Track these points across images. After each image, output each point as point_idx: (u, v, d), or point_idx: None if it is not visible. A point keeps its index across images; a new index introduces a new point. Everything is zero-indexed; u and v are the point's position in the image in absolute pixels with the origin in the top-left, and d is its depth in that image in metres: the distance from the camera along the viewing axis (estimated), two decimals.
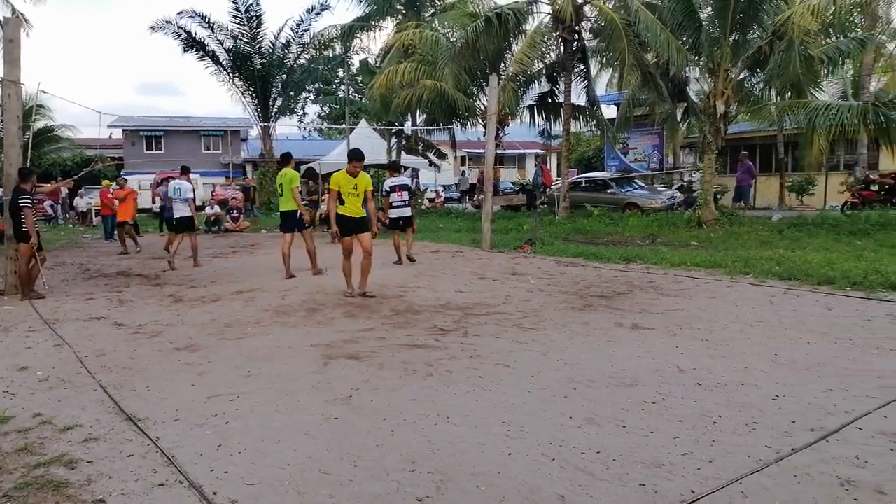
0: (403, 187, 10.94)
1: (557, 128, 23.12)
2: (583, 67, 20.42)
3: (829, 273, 7.89)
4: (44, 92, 9.98)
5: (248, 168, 37.33)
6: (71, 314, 6.98)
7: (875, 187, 16.06)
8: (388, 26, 26.15)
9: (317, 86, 43.80)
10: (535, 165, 30.01)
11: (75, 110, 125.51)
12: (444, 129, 22.23)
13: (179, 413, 3.86)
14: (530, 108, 21.55)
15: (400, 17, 25.39)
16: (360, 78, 39.44)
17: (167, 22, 25.14)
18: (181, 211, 11.41)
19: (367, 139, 24.87)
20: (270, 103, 27.76)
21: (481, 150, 32.59)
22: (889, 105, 13.43)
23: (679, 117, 20.97)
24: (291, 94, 29.45)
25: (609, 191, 20.07)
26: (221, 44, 26.20)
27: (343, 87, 43.05)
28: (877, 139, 16.32)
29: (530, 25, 19.26)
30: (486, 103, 20.18)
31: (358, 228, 7.63)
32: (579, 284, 8.28)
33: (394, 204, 10.59)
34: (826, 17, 13.10)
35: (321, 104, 48.47)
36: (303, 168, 28.30)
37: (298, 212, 9.67)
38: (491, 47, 18.14)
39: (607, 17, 16.71)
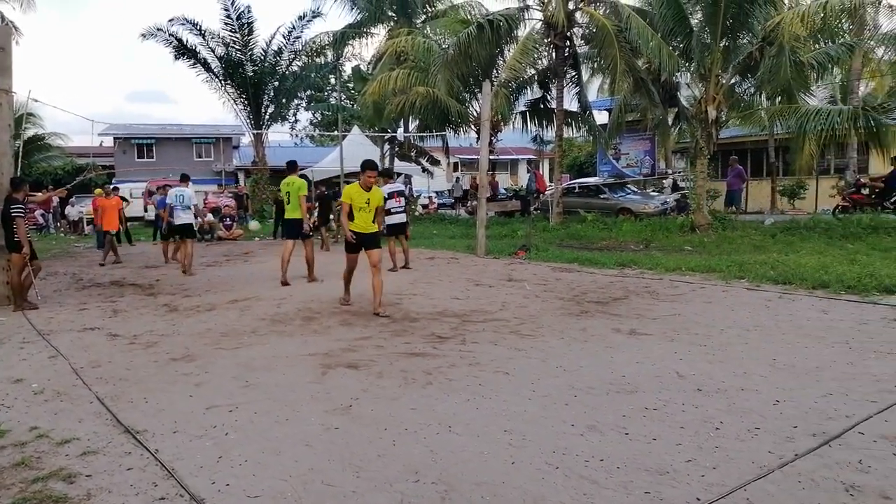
0: (400, 193, 10.97)
1: (549, 133, 23.21)
2: (574, 73, 20.49)
3: (824, 277, 7.92)
4: (35, 100, 9.91)
5: (241, 176, 37.19)
6: (65, 325, 6.92)
7: (866, 191, 16.15)
8: (379, 33, 26.19)
9: (308, 93, 43.80)
10: (528, 171, 30.08)
11: (65, 118, 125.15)
12: (436, 135, 22.24)
13: (178, 425, 3.82)
14: (523, 114, 21.61)
15: (392, 23, 25.40)
16: (352, 85, 39.52)
17: (158, 29, 25.03)
18: (183, 218, 11.51)
19: (360, 146, 24.86)
20: (262, 110, 27.68)
21: (474, 157, 32.65)
22: (878, 109, 13.55)
23: (670, 122, 21.12)
24: (283, 101, 29.36)
25: (602, 196, 20.13)
26: (213, 51, 26.11)
27: (335, 94, 43.07)
28: (867, 143, 16.44)
29: (522, 32, 19.30)
30: (478, 109, 20.29)
31: (367, 244, 7.27)
32: (575, 290, 8.29)
33: (392, 210, 10.58)
34: (815, 24, 13.19)
35: (313, 111, 48.44)
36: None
37: (303, 220, 9.68)
38: (483, 54, 18.19)
39: (599, 24, 16.80)
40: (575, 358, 5.05)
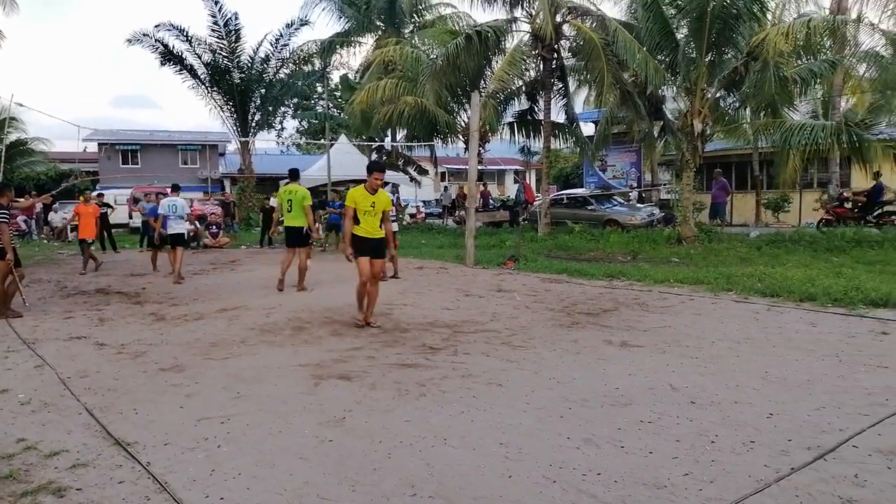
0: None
1: (537, 144, 23.34)
2: (562, 85, 20.68)
3: (811, 290, 8.01)
4: (20, 105, 9.81)
5: (227, 183, 37.00)
6: (50, 333, 6.81)
7: (849, 205, 16.42)
8: (367, 42, 26.28)
9: (295, 101, 43.76)
10: (516, 181, 30.20)
11: (48, 123, 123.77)
12: (424, 145, 22.30)
13: (169, 437, 3.76)
14: (510, 124, 21.72)
15: (379, 33, 25.51)
16: (338, 93, 39.53)
17: (144, 35, 24.91)
18: (175, 228, 11.52)
19: (347, 154, 24.88)
20: (249, 118, 27.60)
21: (461, 167, 32.74)
22: (861, 125, 13.79)
23: (656, 135, 21.33)
24: (270, 108, 29.31)
25: (589, 207, 20.25)
26: (199, 57, 26.02)
27: (322, 102, 43.03)
28: (849, 158, 16.72)
29: (510, 44, 19.50)
30: (466, 120, 20.38)
31: (373, 251, 6.87)
32: (565, 301, 8.31)
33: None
34: (798, 40, 13.42)
35: (300, 119, 48.37)
36: (281, 184, 28.24)
37: (304, 228, 9.72)
38: (471, 64, 18.31)
39: (586, 37, 16.98)
40: (568, 370, 5.05)
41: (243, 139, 27.38)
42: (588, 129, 24.90)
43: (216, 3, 24.94)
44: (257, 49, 26.64)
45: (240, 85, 26.46)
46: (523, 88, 20.97)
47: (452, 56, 17.32)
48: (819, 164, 20.37)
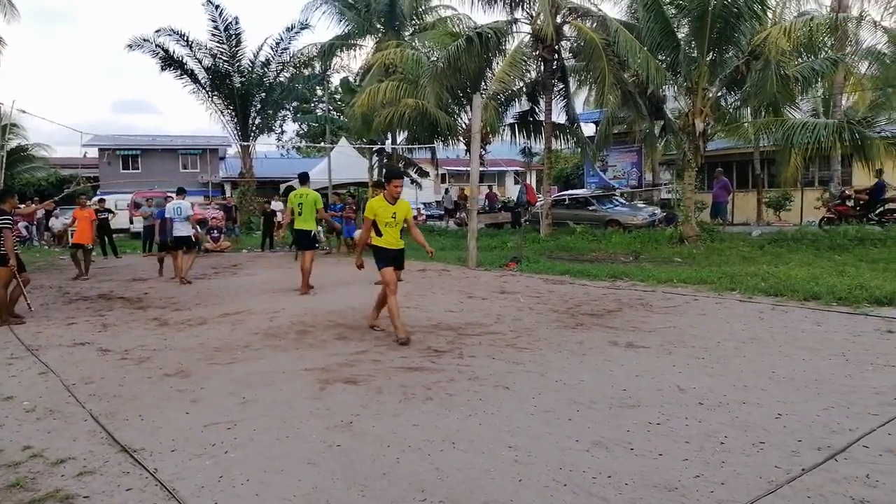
0: None
1: (538, 145, 23.33)
2: (562, 86, 20.66)
3: (815, 288, 7.99)
4: (22, 111, 9.82)
5: (227, 187, 37.00)
6: (54, 340, 6.79)
7: (850, 203, 16.38)
8: (367, 45, 26.25)
9: (295, 104, 43.75)
10: (516, 183, 30.16)
11: (48, 129, 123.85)
12: (425, 147, 22.28)
13: (176, 443, 3.75)
14: (511, 126, 21.70)
15: (379, 35, 25.48)
16: (338, 96, 39.52)
17: (145, 40, 24.98)
18: (181, 230, 11.94)
19: (348, 157, 24.88)
20: (250, 122, 27.62)
21: (462, 168, 32.69)
22: (863, 123, 13.76)
23: (657, 134, 21.32)
24: (270, 112, 29.33)
25: (591, 208, 20.22)
26: (200, 62, 26.09)
27: (322, 106, 43.02)
28: (850, 155, 16.69)
29: (510, 45, 19.47)
30: (467, 121, 20.37)
31: (394, 262, 6.58)
32: (569, 302, 8.29)
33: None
34: (799, 39, 13.40)
35: (300, 122, 48.37)
36: (283, 187, 28.24)
37: (312, 232, 9.98)
38: (472, 66, 18.29)
39: (587, 37, 16.97)
40: (574, 372, 5.03)
41: (244, 143, 27.39)
42: (588, 129, 24.92)
43: (216, 8, 25.04)
44: (258, 53, 26.74)
45: (240, 89, 26.50)
46: (524, 89, 20.96)
47: (453, 58, 17.31)
48: (821, 163, 20.34)
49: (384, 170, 7.75)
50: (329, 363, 5.47)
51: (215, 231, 20.11)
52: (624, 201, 21.72)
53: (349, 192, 24.28)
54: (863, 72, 20.13)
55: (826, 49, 15.84)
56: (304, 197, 9.91)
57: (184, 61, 25.85)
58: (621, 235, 16.52)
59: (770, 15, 15.85)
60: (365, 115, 20.73)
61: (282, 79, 27.92)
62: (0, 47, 22.15)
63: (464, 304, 8.38)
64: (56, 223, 23.55)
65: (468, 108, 20.32)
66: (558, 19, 18.35)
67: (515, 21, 19.15)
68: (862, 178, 18.26)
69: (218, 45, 25.75)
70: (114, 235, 19.13)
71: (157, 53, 25.30)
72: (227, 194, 34.40)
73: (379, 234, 6.48)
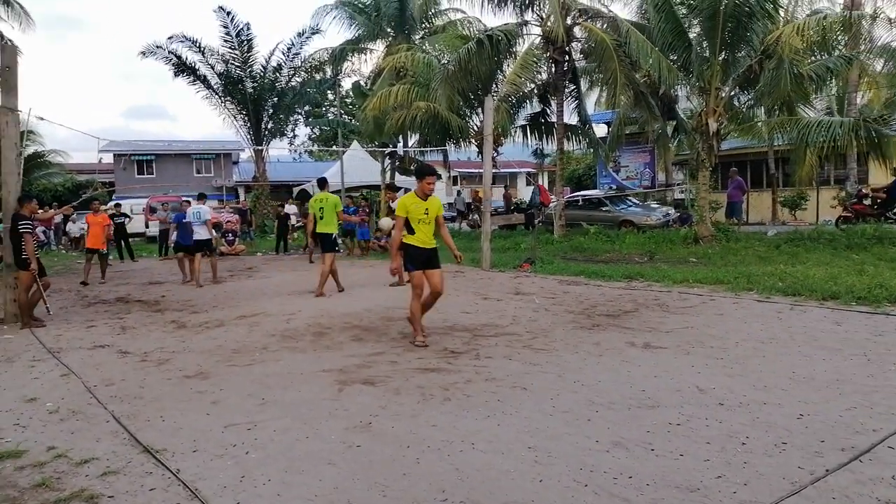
0: None
1: (549, 147, 23.29)
2: (574, 87, 20.62)
3: (833, 288, 7.92)
4: (40, 118, 9.93)
5: (241, 191, 37.24)
6: (74, 342, 6.87)
7: (868, 201, 16.22)
8: (378, 49, 26.33)
9: (307, 108, 43.95)
10: (530, 184, 30.10)
11: (63, 135, 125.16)
12: (437, 150, 22.32)
13: (197, 443, 3.78)
14: (523, 127, 21.68)
15: (390, 39, 25.56)
16: (349, 100, 39.68)
17: (158, 47, 25.18)
18: (200, 234, 12.23)
19: (361, 160, 24.96)
20: (262, 126, 27.79)
21: (474, 170, 32.67)
22: (879, 121, 13.63)
23: (669, 135, 21.21)
24: (282, 116, 29.49)
25: (604, 208, 20.16)
26: (212, 68, 26.28)
27: (333, 110, 43.20)
28: (866, 154, 16.52)
29: (521, 47, 19.49)
30: (478, 124, 20.37)
31: (429, 262, 6.29)
32: (584, 303, 8.27)
33: None
34: (812, 37, 13.30)
35: (311, 126, 48.61)
36: (295, 190, 28.40)
37: (333, 235, 10.17)
38: (483, 69, 18.31)
39: (598, 38, 16.92)
40: (592, 372, 5.01)
41: (257, 147, 27.55)
42: (600, 130, 24.85)
43: (228, 14, 25.21)
44: (269, 58, 26.90)
45: (253, 94, 26.67)
46: (535, 91, 20.94)
47: (464, 61, 17.33)
48: (837, 161, 20.15)
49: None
50: (346, 364, 5.49)
51: (230, 234, 20.25)
52: (637, 202, 21.63)
53: (362, 195, 24.35)
54: (878, 69, 19.91)
55: (840, 47, 15.72)
56: (324, 201, 10.14)
57: (196, 67, 26.07)
58: (635, 236, 16.46)
59: (782, 14, 15.75)
60: (377, 118, 20.80)
61: (293, 83, 28.07)
62: (17, 56, 22.43)
63: (479, 306, 8.38)
64: (74, 228, 23.85)
65: (479, 110, 20.34)
66: (568, 21, 18.32)
67: (525, 23, 19.15)
68: (878, 177, 18.07)
69: (230, 50, 25.95)
70: (130, 239, 19.31)
71: (170, 60, 25.52)
72: (241, 198, 34.61)
73: (411, 231, 6.26)
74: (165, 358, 5.99)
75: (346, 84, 32.56)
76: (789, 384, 4.51)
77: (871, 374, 4.64)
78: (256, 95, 26.78)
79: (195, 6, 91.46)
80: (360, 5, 25.63)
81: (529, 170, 30.45)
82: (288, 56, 26.85)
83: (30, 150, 27.06)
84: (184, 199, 18.25)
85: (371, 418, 4.11)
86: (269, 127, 28.49)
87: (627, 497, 2.94)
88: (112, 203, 22.89)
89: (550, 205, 21.72)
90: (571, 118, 21.02)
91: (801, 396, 4.23)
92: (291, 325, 7.41)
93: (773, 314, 7.03)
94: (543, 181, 35.87)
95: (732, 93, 15.66)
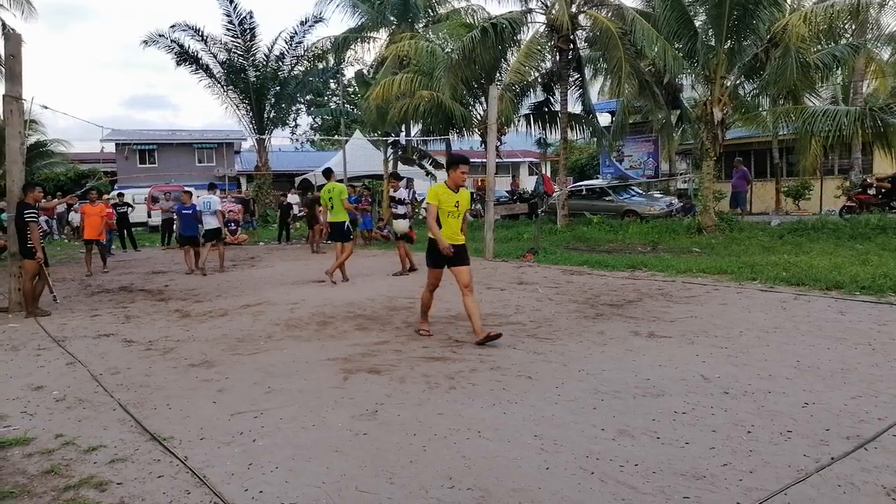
0: (410, 197, 11.15)
1: (553, 136, 23.20)
2: (578, 76, 20.52)
3: (837, 278, 7.91)
4: (44, 107, 9.95)
5: (243, 180, 37.20)
6: (79, 331, 6.89)
7: (872, 191, 16.17)
8: (381, 37, 26.19)
9: (309, 97, 43.82)
10: (534, 174, 30.00)
11: (65, 125, 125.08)
12: (440, 139, 22.26)
13: (204, 431, 3.79)
14: (526, 116, 21.59)
15: (393, 27, 25.43)
16: (352, 89, 39.55)
17: (160, 35, 25.11)
18: (211, 223, 12.46)
19: (363, 150, 24.88)
20: (265, 115, 27.72)
21: (476, 160, 32.60)
22: (885, 110, 13.55)
23: (673, 124, 21.12)
24: (284, 105, 29.41)
25: (607, 198, 20.13)
26: (215, 56, 26.20)
27: (336, 99, 43.06)
28: (871, 143, 16.44)
29: (525, 35, 19.35)
30: (482, 112, 20.29)
31: (455, 259, 5.91)
32: (588, 293, 8.27)
33: (406, 214, 10.84)
34: (819, 25, 13.21)
35: (313, 116, 48.48)
36: (297, 180, 28.36)
37: (345, 223, 10.20)
38: (487, 57, 18.20)
39: (603, 27, 16.80)
40: (596, 361, 5.02)
41: (260, 136, 27.50)
42: (604, 119, 24.75)
43: (231, 3, 25.08)
44: (272, 47, 26.80)
45: (255, 83, 26.60)
46: (539, 80, 20.83)
47: (468, 49, 17.22)
48: (841, 151, 20.06)
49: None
50: (351, 353, 5.51)
51: (233, 224, 20.25)
52: (641, 191, 21.59)
53: (364, 184, 24.32)
54: (885, 58, 19.78)
55: (847, 35, 15.61)
56: (331, 191, 10.21)
57: (199, 56, 25.99)
58: (638, 225, 16.43)
59: (789, 1, 15.64)
60: (379, 107, 20.71)
61: (296, 72, 27.98)
62: (21, 45, 22.37)
63: (482, 296, 8.37)
64: (76, 217, 23.85)
65: (483, 99, 20.23)
66: (573, 9, 18.21)
67: (530, 11, 19.02)
68: (883, 166, 18.01)
69: (232, 39, 25.84)
70: (133, 229, 19.34)
71: (173, 49, 25.44)
72: (244, 188, 34.59)
73: (439, 225, 5.90)
74: (170, 347, 6.01)
75: (349, 73, 32.45)
76: (794, 373, 4.51)
77: (876, 364, 4.64)
78: (259, 84, 26.70)
79: None
80: None
81: (532, 159, 30.33)
82: (291, 45, 26.77)
83: (32, 139, 27.06)
84: (185, 188, 18.22)
85: (377, 406, 4.12)
86: (271, 116, 28.41)
87: (634, 484, 2.95)
88: (115, 192, 22.93)
89: (554, 194, 21.66)
90: (575, 107, 20.93)
91: (806, 385, 4.24)
92: (295, 315, 7.43)
93: (777, 304, 7.02)
94: (546, 171, 35.81)
95: (738, 82, 15.58)
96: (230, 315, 7.62)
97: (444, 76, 17.73)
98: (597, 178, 26.05)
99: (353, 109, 40.98)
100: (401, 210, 11.17)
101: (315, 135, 48.56)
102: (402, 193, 11.33)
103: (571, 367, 4.88)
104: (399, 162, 24.82)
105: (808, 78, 14.13)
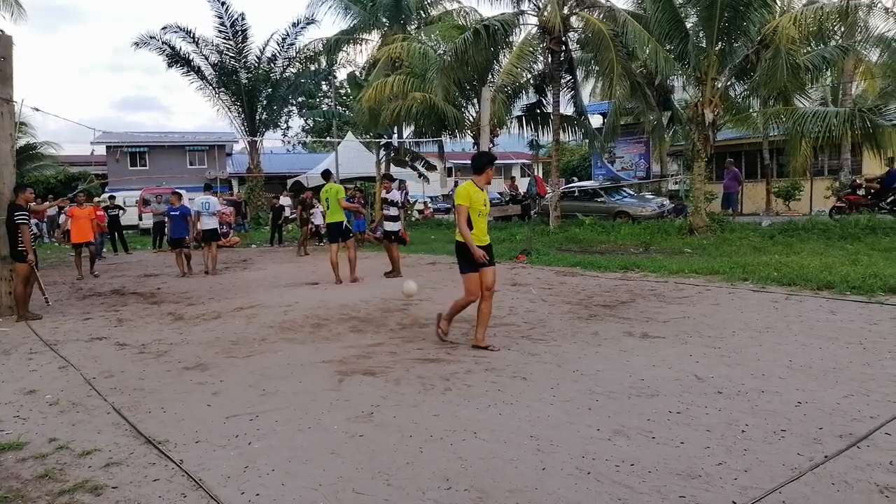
0: (403, 199, 11.14)
1: (545, 137, 23.25)
2: (570, 78, 20.58)
3: (828, 278, 7.97)
4: (36, 109, 9.90)
5: (234, 183, 37.08)
6: (71, 335, 6.86)
7: (861, 192, 16.29)
8: (373, 39, 26.19)
9: (301, 99, 43.71)
10: (527, 175, 30.06)
11: (55, 127, 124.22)
12: (432, 140, 22.26)
13: (199, 434, 3.78)
14: (519, 118, 21.65)
15: (385, 29, 25.43)
16: (344, 91, 39.49)
17: (151, 37, 25.01)
18: (208, 224, 12.46)
19: (356, 152, 24.85)
20: (257, 117, 27.65)
21: (468, 162, 32.61)
22: (874, 111, 13.66)
23: (665, 125, 21.20)
24: (275, 107, 29.35)
25: (599, 199, 20.19)
26: (206, 58, 26.11)
27: (327, 101, 43.03)
28: (860, 144, 16.57)
29: (518, 37, 19.41)
30: (474, 114, 20.32)
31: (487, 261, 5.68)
32: (581, 294, 8.29)
33: (397, 217, 10.81)
34: (808, 27, 13.31)
35: (305, 118, 48.40)
36: (289, 182, 28.31)
37: (343, 222, 10.27)
38: (479, 59, 18.21)
39: (594, 28, 16.85)
40: (591, 362, 5.04)
41: (252, 139, 27.42)
42: (596, 121, 24.83)
43: (223, 5, 25.00)
44: (264, 49, 26.74)
45: (247, 85, 26.52)
46: (531, 82, 20.89)
47: (460, 51, 17.24)
48: (831, 152, 20.21)
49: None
50: (346, 355, 5.50)
51: (224, 226, 20.15)
52: (632, 192, 21.67)
53: (356, 186, 24.29)
54: (874, 60, 19.95)
55: (836, 37, 15.73)
56: (329, 192, 10.28)
57: (190, 58, 25.90)
58: (630, 227, 16.48)
59: (779, 3, 15.75)
60: (372, 109, 20.68)
61: (288, 74, 27.93)
62: (12, 46, 22.22)
63: None
64: (66, 220, 23.70)
65: (475, 101, 20.27)
66: (565, 10, 18.27)
67: (522, 13, 19.07)
68: (872, 167, 18.15)
69: (224, 41, 25.75)
70: (124, 232, 19.24)
71: (164, 50, 25.35)
72: (235, 190, 34.47)
73: (469, 226, 5.63)
74: (164, 350, 5.99)
75: (341, 75, 32.44)
76: (787, 373, 4.55)
77: (867, 363, 4.68)
78: (251, 86, 26.63)
79: None
80: None
81: (524, 161, 30.40)
82: (282, 46, 26.72)
83: (21, 141, 26.84)
84: (174, 190, 18.10)
85: (373, 408, 4.12)
86: (262, 118, 28.34)
87: (630, 484, 2.97)
88: (106, 195, 22.80)
89: (546, 196, 21.71)
90: (567, 109, 21.02)
91: (799, 385, 4.27)
92: (289, 317, 7.41)
93: (768, 304, 7.07)
94: (539, 172, 35.89)
95: (728, 83, 15.67)
96: (223, 318, 7.59)
97: (437, 78, 17.74)
98: (575, 180, 26.10)
99: (345, 111, 40.98)
100: (393, 212, 11.12)
101: (306, 137, 48.47)
102: (395, 195, 11.30)
103: (566, 368, 4.89)
104: (391, 164, 24.79)
105: (798, 79, 14.22)
